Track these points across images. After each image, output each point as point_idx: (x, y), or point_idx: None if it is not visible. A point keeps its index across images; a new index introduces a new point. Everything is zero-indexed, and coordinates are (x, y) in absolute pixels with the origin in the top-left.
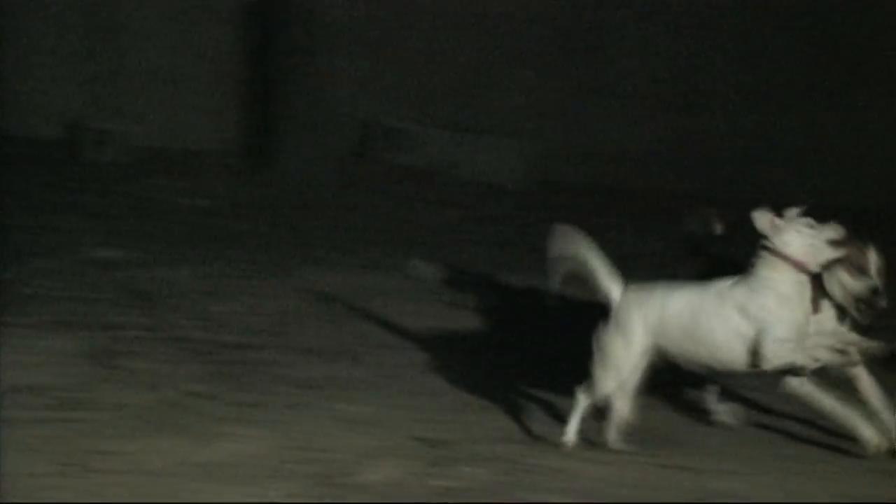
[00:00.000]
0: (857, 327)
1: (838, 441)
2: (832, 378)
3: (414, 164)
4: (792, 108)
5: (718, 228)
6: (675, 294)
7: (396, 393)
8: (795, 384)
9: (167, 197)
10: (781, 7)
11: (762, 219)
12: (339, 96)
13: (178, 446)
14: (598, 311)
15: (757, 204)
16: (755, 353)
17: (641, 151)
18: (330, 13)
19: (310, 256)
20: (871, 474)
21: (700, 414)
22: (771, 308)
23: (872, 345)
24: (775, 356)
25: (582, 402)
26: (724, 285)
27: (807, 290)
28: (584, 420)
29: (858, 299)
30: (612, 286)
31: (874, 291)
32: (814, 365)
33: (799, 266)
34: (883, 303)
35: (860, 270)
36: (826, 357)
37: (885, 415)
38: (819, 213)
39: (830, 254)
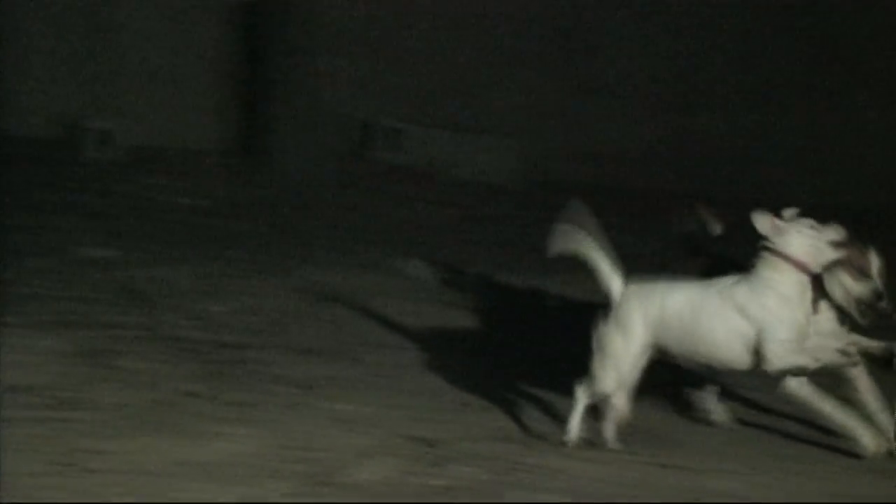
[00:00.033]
0: (856, 327)
1: (837, 441)
2: (830, 378)
3: (413, 164)
4: (792, 108)
5: (718, 228)
6: (676, 291)
7: (394, 392)
8: (794, 386)
9: (166, 197)
10: (781, 7)
11: (763, 220)
12: (339, 96)
13: (175, 446)
14: (596, 311)
15: (757, 204)
16: (758, 355)
17: (641, 151)
18: (329, 13)
19: (308, 256)
20: (870, 474)
21: (698, 414)
22: (772, 308)
23: (875, 345)
24: (778, 358)
25: (582, 400)
26: (725, 285)
27: (807, 291)
28: (584, 419)
29: (861, 302)
30: (613, 281)
31: (877, 294)
32: (815, 365)
33: (801, 267)
34: (885, 305)
35: (862, 273)
36: (830, 359)
37: (883, 416)
38: (816, 213)
39: (832, 255)
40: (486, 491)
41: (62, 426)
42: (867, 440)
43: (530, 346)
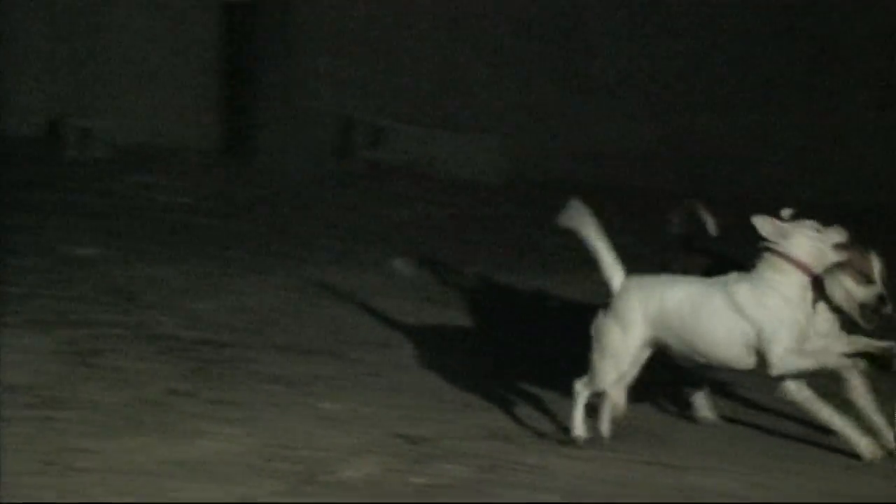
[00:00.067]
0: (853, 328)
1: (837, 441)
2: (825, 377)
3: (406, 164)
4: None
5: (714, 227)
6: (676, 287)
7: (378, 390)
8: (793, 389)
9: (148, 194)
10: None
11: (765, 224)
12: (321, 94)
13: (159, 444)
14: (579, 308)
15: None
16: (758, 356)
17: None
18: (311, 11)
19: (291, 254)
20: (870, 474)
21: (683, 409)
22: (773, 309)
23: (875, 346)
24: (781, 362)
25: (582, 394)
26: (726, 284)
27: (808, 293)
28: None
29: (864, 306)
30: (614, 273)
31: (881, 298)
32: (817, 368)
33: (803, 268)
34: (889, 310)
35: (865, 277)
36: (833, 363)
37: (878, 416)
38: (816, 213)
39: (834, 257)
40: (468, 488)
41: (44, 425)
42: (864, 446)
43: (512, 342)
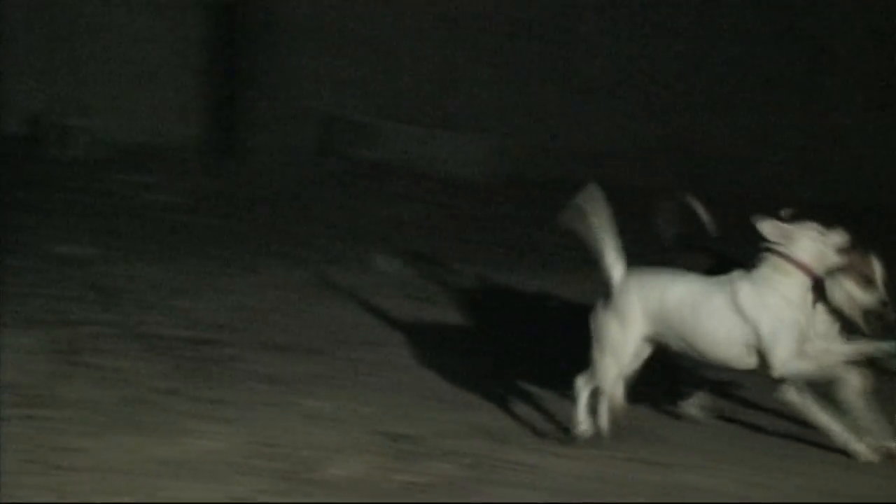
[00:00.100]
0: (852, 329)
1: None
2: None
3: (397, 163)
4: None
5: (713, 228)
6: (677, 283)
7: (362, 388)
8: (791, 392)
9: (133, 193)
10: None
11: (768, 227)
12: (305, 91)
13: (143, 443)
14: (578, 308)
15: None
16: (758, 356)
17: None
18: (296, 8)
19: (276, 252)
20: (870, 474)
21: (671, 407)
22: (774, 310)
23: (873, 347)
24: (783, 364)
25: (584, 390)
26: (727, 283)
27: (809, 295)
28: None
29: (867, 311)
30: (615, 268)
31: (883, 304)
32: (818, 369)
33: (806, 270)
34: (893, 317)
35: (867, 281)
36: (835, 365)
37: (875, 417)
38: (815, 213)
39: (836, 259)
40: (452, 486)
41: (28, 423)
42: (860, 452)
43: (499, 340)
